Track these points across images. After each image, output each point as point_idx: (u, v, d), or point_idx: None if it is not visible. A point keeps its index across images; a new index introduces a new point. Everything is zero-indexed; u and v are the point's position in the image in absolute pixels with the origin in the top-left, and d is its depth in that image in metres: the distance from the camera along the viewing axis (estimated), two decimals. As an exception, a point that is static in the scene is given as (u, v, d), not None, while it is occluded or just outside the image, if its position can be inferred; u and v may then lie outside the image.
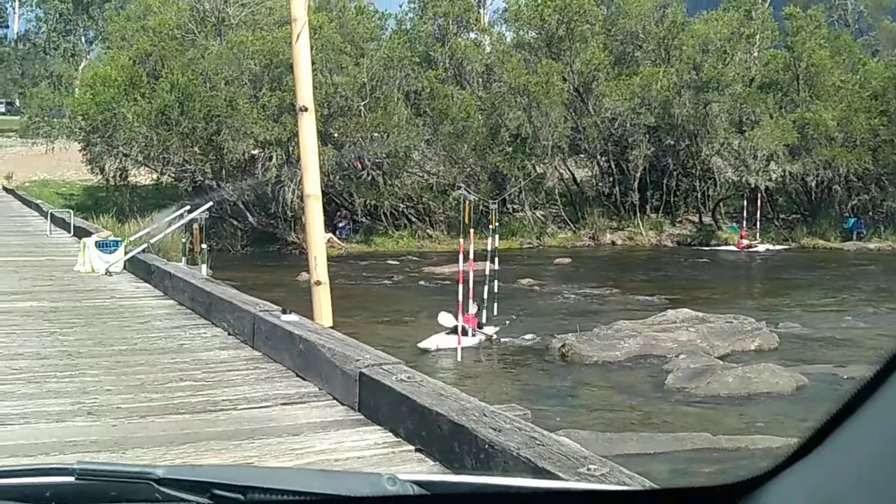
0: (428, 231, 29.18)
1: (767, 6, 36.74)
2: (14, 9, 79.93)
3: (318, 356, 5.47)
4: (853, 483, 1.09)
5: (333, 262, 12.31)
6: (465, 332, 13.20)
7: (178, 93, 26.54)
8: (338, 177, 27.27)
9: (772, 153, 29.82)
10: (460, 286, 13.35)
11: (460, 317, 13.29)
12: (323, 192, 8.95)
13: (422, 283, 20.92)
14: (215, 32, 29.66)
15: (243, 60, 26.74)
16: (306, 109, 7.75)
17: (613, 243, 30.76)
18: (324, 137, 23.52)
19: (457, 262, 14.23)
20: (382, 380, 4.63)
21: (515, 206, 30.81)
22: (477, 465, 3.53)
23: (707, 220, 32.73)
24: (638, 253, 29.25)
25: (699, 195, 32.75)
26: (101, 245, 12.24)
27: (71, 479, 1.41)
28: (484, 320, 14.55)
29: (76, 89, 41.27)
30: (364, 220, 28.82)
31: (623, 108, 29.82)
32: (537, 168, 30.82)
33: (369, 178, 27.99)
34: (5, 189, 37.48)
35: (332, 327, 6.83)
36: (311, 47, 8.67)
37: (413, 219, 29.34)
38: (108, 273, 11.60)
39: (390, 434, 4.42)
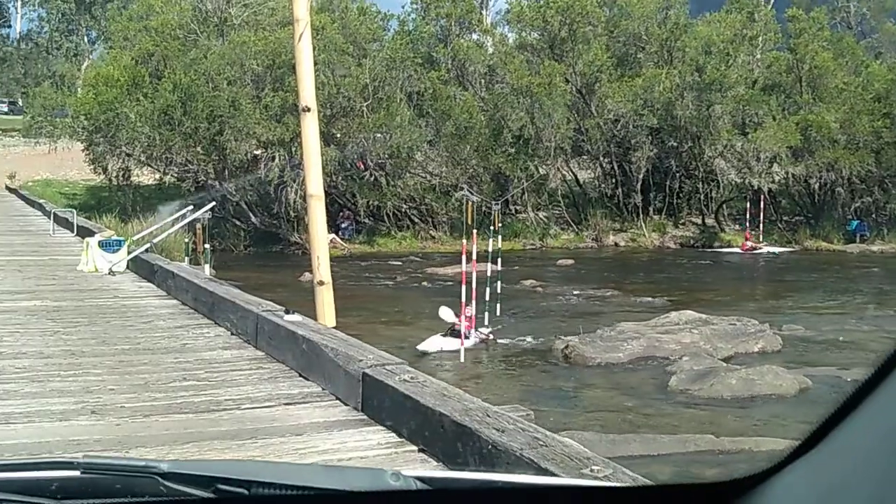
0: (431, 232, 29.18)
1: (770, 8, 36.75)
2: (17, 8, 79.99)
3: (321, 356, 5.47)
4: (852, 479, 1.10)
5: (336, 263, 12.32)
6: (455, 333, 13.18)
7: (181, 93, 26.56)
8: (340, 177, 27.29)
9: (775, 155, 29.80)
10: (463, 287, 13.35)
11: (463, 318, 13.28)
12: (326, 192, 8.96)
13: (424, 283, 20.92)
14: (218, 33, 29.69)
15: (246, 61, 26.75)
16: (309, 110, 7.77)
17: (616, 245, 30.73)
18: (326, 138, 23.56)
19: (459, 263, 14.23)
20: (385, 380, 4.63)
21: (518, 208, 30.80)
22: (480, 465, 3.53)
23: (710, 221, 32.70)
24: (641, 255, 29.23)
25: (702, 197, 32.70)
26: (104, 245, 12.26)
27: (76, 472, 1.42)
28: (486, 321, 14.54)
29: (79, 89, 41.30)
30: (367, 220, 28.82)
31: (626, 109, 29.80)
32: (540, 169, 30.80)
33: (372, 178, 28.00)
34: (8, 189, 37.48)
35: (334, 327, 6.84)
36: (314, 48, 8.68)
37: (416, 219, 29.34)
38: (111, 273, 11.62)
39: (393, 434, 4.42)
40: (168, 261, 11.55)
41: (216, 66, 26.97)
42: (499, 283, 15.12)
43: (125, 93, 27.24)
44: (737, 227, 32.22)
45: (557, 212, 31.71)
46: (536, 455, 3.26)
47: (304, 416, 4.89)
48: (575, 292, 19.65)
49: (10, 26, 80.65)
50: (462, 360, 12.60)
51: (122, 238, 12.87)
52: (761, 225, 30.73)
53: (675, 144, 31.02)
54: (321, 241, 7.84)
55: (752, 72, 32.34)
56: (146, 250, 12.28)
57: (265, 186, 26.40)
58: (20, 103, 62.21)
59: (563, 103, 29.23)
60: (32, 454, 3.99)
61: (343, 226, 28.43)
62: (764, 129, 29.57)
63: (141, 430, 4.60)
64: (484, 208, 20.31)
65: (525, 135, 29.37)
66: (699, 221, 32.86)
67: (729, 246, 30.39)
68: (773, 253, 29.18)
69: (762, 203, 30.69)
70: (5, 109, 64.02)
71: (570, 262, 25.62)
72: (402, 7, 36.42)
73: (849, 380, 11.15)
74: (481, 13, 37.46)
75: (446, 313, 13.59)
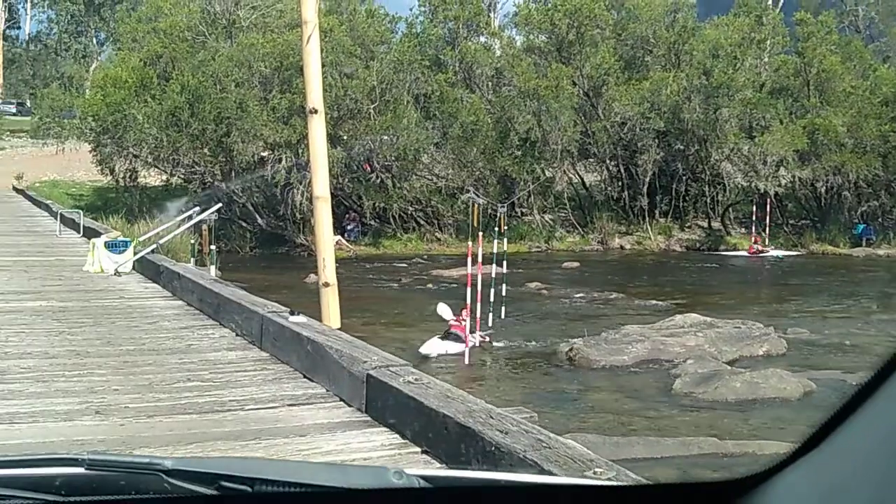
0: (436, 234, 29.17)
1: (778, 12, 36.74)
2: (26, 10, 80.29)
3: (325, 357, 5.48)
4: (852, 480, 1.11)
5: (342, 265, 12.32)
6: (450, 336, 13.14)
7: (189, 94, 26.61)
8: (347, 179, 27.30)
9: (781, 159, 29.75)
10: (468, 289, 13.34)
11: (460, 321, 13.23)
12: (332, 194, 8.96)
13: (430, 286, 20.91)
14: (226, 35, 29.74)
15: (254, 63, 26.79)
16: (316, 112, 7.76)
17: (622, 248, 30.70)
18: (333, 140, 23.57)
19: (465, 265, 14.22)
20: (390, 381, 4.64)
21: (524, 210, 30.78)
22: (483, 467, 3.54)
23: (716, 225, 32.65)
24: (646, 258, 29.19)
25: (708, 200, 32.64)
26: (110, 245, 12.29)
27: (81, 469, 1.43)
28: (490, 323, 14.53)
29: (87, 90, 41.43)
30: (373, 222, 28.84)
31: (633, 112, 29.77)
32: (546, 172, 30.77)
33: (378, 180, 28.00)
34: (15, 189, 37.59)
35: (339, 329, 6.84)
36: (322, 50, 8.69)
37: (422, 222, 29.34)
38: (117, 273, 11.64)
39: (397, 436, 4.43)
40: (174, 262, 11.58)
41: (224, 68, 27.02)
42: (504, 285, 15.10)
43: (133, 94, 27.30)
44: (743, 230, 32.17)
45: (563, 214, 31.70)
46: (540, 457, 3.27)
47: (307, 418, 4.90)
48: (580, 295, 19.63)
49: (19, 28, 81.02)
50: (467, 361, 12.59)
51: (128, 239, 12.91)
52: (767, 228, 30.68)
53: (681, 148, 30.97)
54: (327, 242, 7.84)
55: (760, 75, 32.31)
56: (152, 251, 12.31)
57: (271, 188, 26.42)
58: (28, 104, 62.37)
59: (570, 106, 29.22)
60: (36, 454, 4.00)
61: (349, 228, 28.45)
62: (771, 133, 29.54)
63: (145, 430, 4.61)
64: (490, 211, 20.32)
65: (532, 137, 29.36)
66: (705, 225, 32.81)
67: (735, 249, 30.34)
68: (778, 257, 29.11)
69: (768, 207, 30.63)
70: (13, 110, 64.14)
71: (576, 264, 25.60)
72: (410, 9, 36.48)
73: (853, 383, 11.09)
74: (489, 16, 37.50)
75: (444, 310, 13.54)
